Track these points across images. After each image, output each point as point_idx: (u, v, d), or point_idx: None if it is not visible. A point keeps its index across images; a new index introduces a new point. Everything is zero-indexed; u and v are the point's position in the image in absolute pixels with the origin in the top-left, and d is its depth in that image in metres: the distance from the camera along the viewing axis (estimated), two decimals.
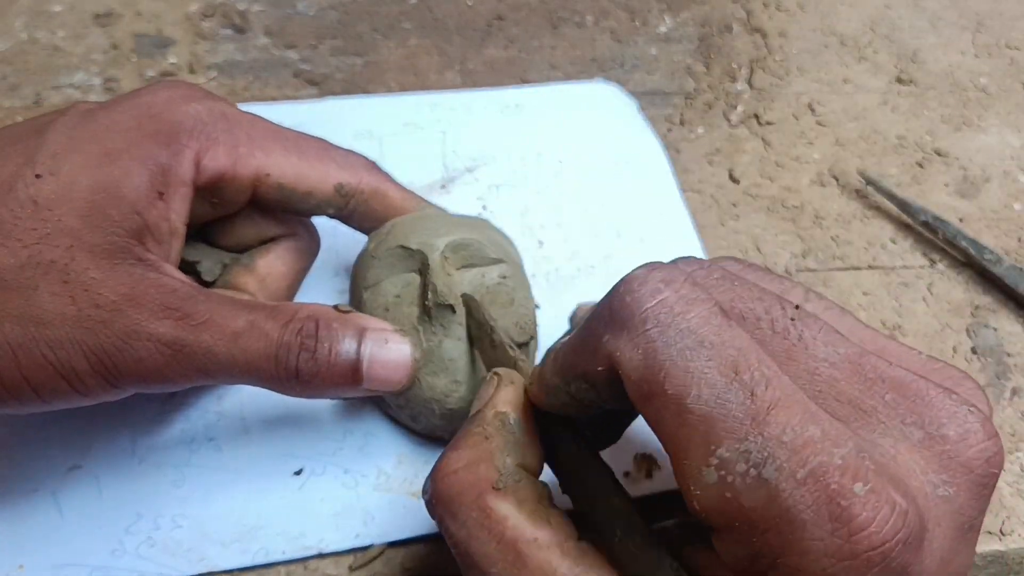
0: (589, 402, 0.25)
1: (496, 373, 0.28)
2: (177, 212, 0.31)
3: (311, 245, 0.37)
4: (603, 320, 0.23)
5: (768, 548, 0.20)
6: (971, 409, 0.22)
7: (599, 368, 0.23)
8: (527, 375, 0.29)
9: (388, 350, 0.31)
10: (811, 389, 0.22)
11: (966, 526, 0.22)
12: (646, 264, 0.24)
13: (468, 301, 0.33)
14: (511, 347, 0.31)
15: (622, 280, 0.23)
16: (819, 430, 0.20)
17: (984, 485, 0.22)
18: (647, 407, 0.22)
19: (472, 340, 0.33)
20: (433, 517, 0.26)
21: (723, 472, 0.20)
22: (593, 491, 0.25)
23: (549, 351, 0.27)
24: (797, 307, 0.24)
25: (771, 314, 0.23)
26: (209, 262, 0.35)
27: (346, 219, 0.36)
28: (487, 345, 0.32)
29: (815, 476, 0.19)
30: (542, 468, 0.27)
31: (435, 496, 0.25)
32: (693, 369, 0.21)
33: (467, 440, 0.26)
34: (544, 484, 0.26)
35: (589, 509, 0.25)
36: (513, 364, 0.30)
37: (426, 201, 0.37)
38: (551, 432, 0.27)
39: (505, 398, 0.27)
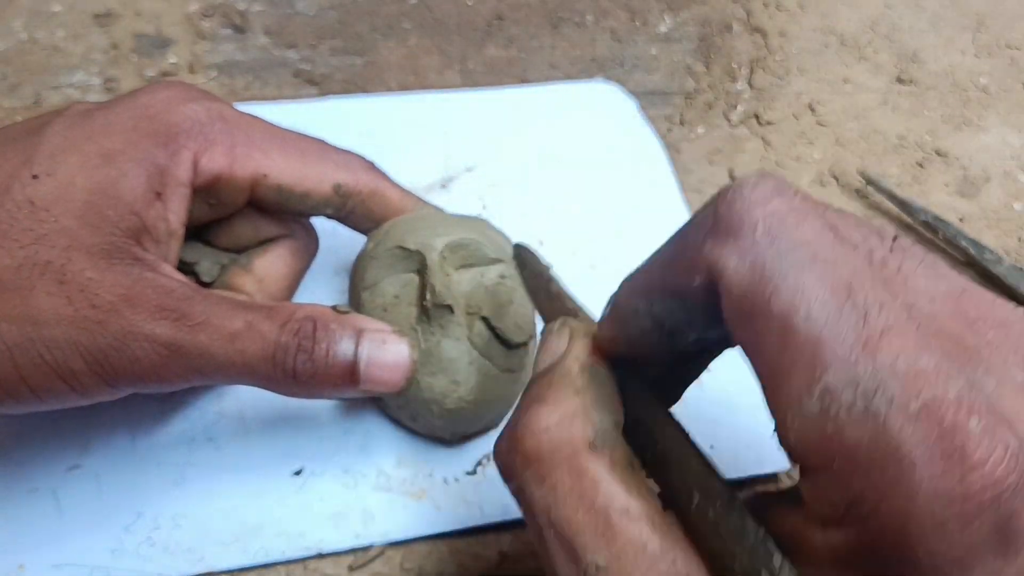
0: (673, 327, 0.23)
1: (567, 322, 0.26)
2: (175, 213, 0.31)
3: (309, 245, 0.37)
4: (704, 227, 0.21)
5: (871, 491, 0.18)
6: None
7: (696, 279, 0.21)
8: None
9: (385, 351, 0.31)
10: None
11: None
12: (751, 174, 0.22)
13: (521, 251, 0.32)
14: (570, 296, 0.29)
15: (728, 185, 0.21)
16: (933, 361, 0.18)
17: None
18: (746, 327, 0.20)
19: (530, 293, 0.33)
20: (509, 481, 0.23)
21: (827, 402, 0.18)
22: (668, 451, 0.23)
23: (625, 278, 0.25)
24: (896, 238, 0.22)
25: (869, 243, 0.22)
26: (207, 263, 0.35)
27: (344, 220, 0.36)
28: (543, 297, 0.30)
29: (929, 410, 0.17)
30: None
31: (522, 455, 0.22)
32: (805, 285, 0.19)
33: (556, 394, 0.23)
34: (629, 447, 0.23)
35: (664, 472, 0.23)
36: (575, 315, 0.28)
37: (424, 201, 0.37)
38: (622, 385, 0.24)
39: (586, 349, 0.25)
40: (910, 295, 0.21)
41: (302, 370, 0.29)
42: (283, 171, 0.33)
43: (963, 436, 0.17)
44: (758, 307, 0.19)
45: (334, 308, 0.31)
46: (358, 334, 0.30)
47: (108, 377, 0.28)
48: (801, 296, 0.19)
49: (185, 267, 0.34)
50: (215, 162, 0.32)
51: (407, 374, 0.31)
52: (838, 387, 0.18)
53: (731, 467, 0.35)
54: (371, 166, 0.36)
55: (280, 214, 0.35)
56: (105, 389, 0.29)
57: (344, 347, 0.30)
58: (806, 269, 0.19)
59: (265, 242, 0.36)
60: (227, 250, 0.35)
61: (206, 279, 0.35)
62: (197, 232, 0.35)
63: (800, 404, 0.18)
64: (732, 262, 0.20)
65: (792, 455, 0.19)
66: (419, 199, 0.37)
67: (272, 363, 0.29)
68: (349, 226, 0.37)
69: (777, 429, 0.19)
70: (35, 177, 0.28)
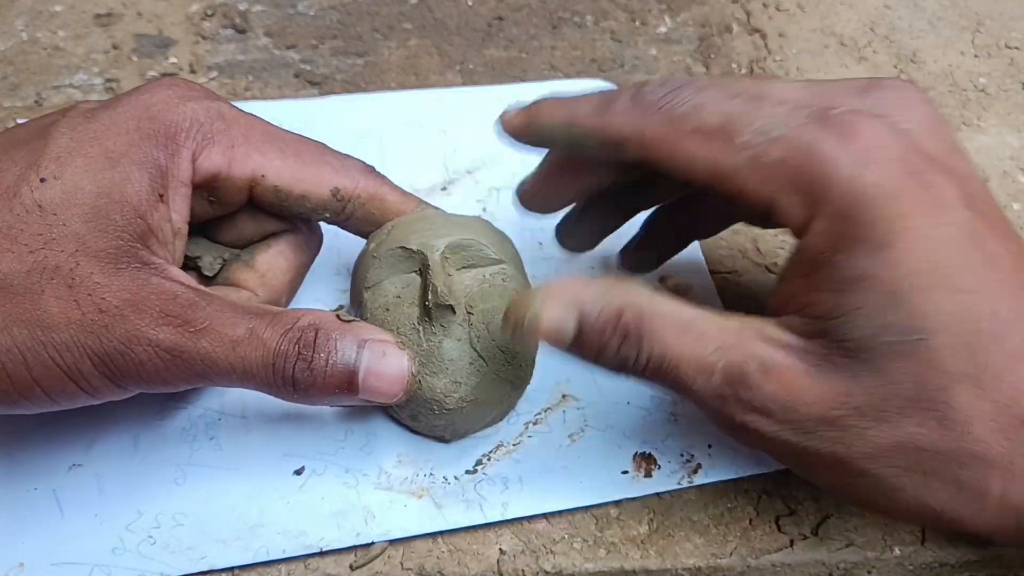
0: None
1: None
2: (178, 212, 0.31)
3: (312, 240, 0.37)
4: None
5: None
6: None
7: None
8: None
9: (385, 363, 0.31)
10: None
11: None
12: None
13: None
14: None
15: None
16: None
17: None
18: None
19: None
20: None
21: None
22: None
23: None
24: None
25: None
26: (209, 258, 0.35)
27: (343, 224, 0.36)
28: None
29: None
30: None
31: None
32: None
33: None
34: None
35: None
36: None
37: (425, 203, 0.37)
38: None
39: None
40: None
41: (301, 378, 0.30)
42: (280, 173, 0.33)
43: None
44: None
45: (338, 315, 0.31)
46: (360, 344, 0.30)
47: (115, 378, 0.29)
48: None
49: (188, 262, 0.34)
50: (212, 161, 0.32)
51: (406, 386, 0.32)
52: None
53: (731, 467, 0.35)
54: (371, 170, 0.36)
55: (279, 215, 0.35)
56: (114, 389, 0.29)
57: (344, 357, 0.30)
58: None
59: (268, 237, 0.36)
60: (230, 245, 0.36)
61: (208, 274, 0.35)
62: (201, 227, 0.35)
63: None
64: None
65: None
66: (420, 201, 0.37)
67: (271, 370, 0.30)
68: (349, 230, 0.37)
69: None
70: (43, 180, 0.28)
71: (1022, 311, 0.25)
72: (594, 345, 0.28)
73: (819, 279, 0.27)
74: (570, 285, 0.29)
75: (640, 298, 0.28)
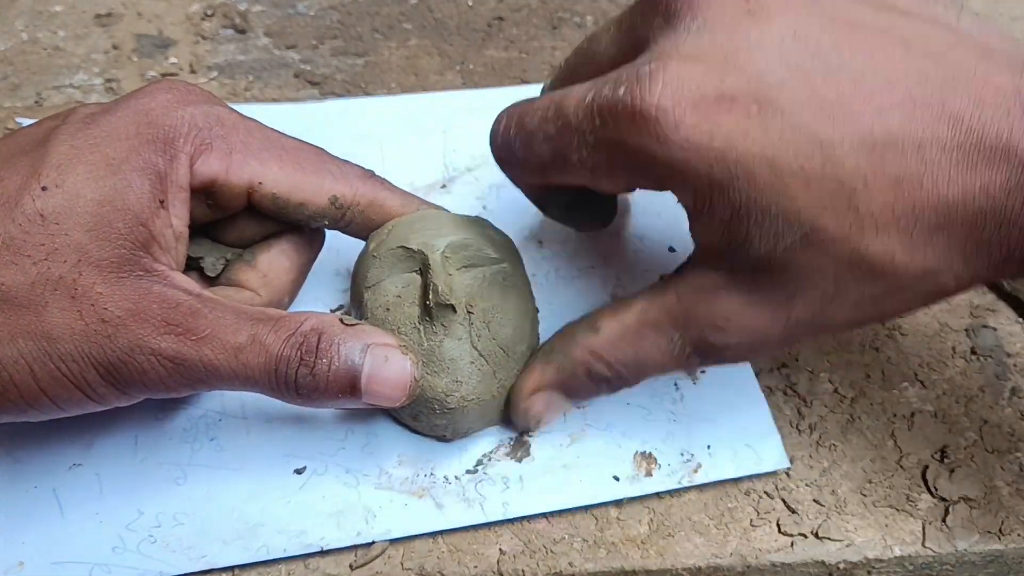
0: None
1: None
2: (179, 217, 0.31)
3: (314, 240, 0.37)
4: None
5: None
6: None
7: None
8: None
9: (388, 368, 0.31)
10: None
11: None
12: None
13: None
14: None
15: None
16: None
17: None
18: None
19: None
20: None
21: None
22: None
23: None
24: None
25: None
26: (211, 258, 0.35)
27: (343, 229, 0.36)
28: None
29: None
30: None
31: None
32: None
33: None
34: None
35: None
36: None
37: (426, 202, 0.37)
38: None
39: None
40: None
41: (303, 383, 0.30)
42: (278, 180, 0.33)
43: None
44: None
45: (341, 319, 0.31)
46: (362, 349, 0.30)
47: (120, 386, 0.29)
48: None
49: (190, 262, 0.34)
50: (210, 167, 0.32)
51: (409, 390, 0.31)
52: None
53: (731, 466, 0.35)
54: (370, 175, 0.36)
55: (278, 220, 0.35)
56: (120, 396, 0.30)
57: (347, 362, 0.30)
58: None
59: (270, 236, 0.36)
60: (233, 245, 0.36)
61: (211, 274, 0.35)
62: (203, 226, 0.35)
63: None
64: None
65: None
66: (421, 201, 0.37)
67: (274, 376, 0.30)
68: (349, 235, 0.37)
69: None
70: (44, 189, 0.29)
71: (877, 141, 0.27)
72: (588, 392, 0.34)
73: (710, 222, 0.29)
74: (535, 377, 0.34)
75: (586, 339, 0.32)
